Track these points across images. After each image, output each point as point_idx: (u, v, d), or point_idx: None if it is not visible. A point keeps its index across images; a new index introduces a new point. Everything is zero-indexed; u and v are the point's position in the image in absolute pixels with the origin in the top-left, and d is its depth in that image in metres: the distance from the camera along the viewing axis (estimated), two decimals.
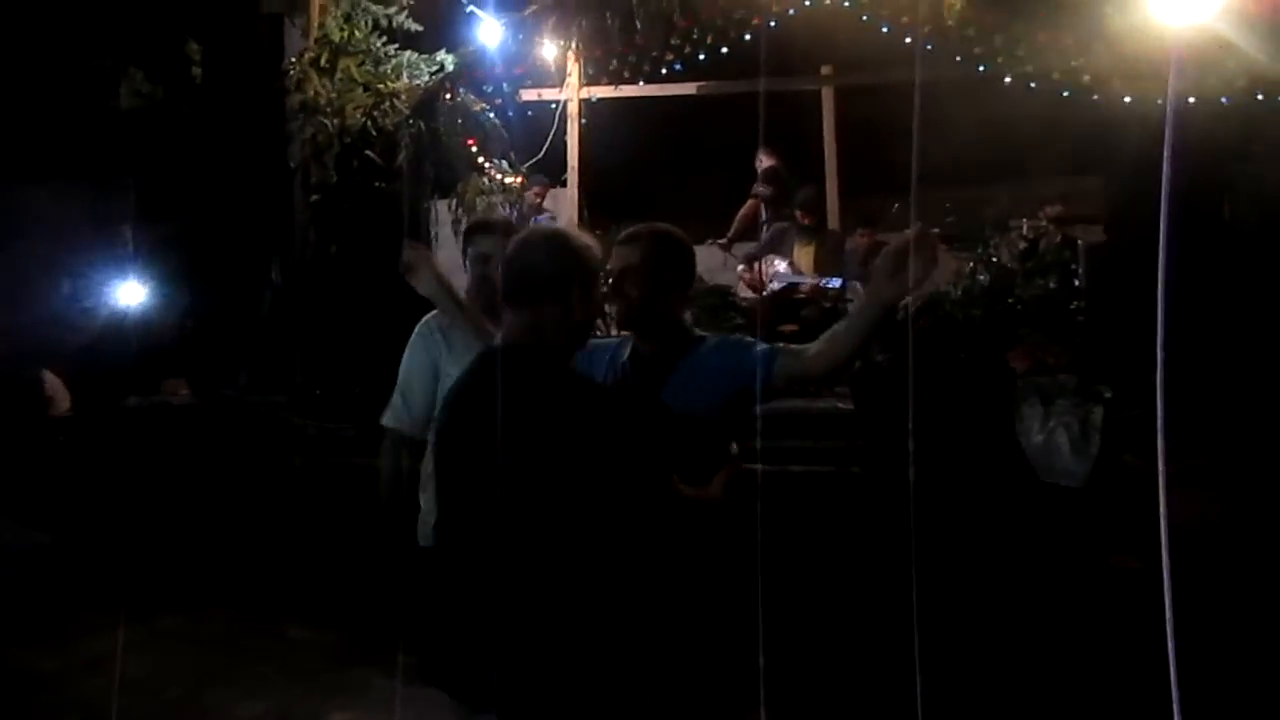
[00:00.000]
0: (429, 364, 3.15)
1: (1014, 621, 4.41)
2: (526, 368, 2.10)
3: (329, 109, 6.84)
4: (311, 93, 6.76)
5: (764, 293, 6.91)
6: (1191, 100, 5.83)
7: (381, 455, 3.22)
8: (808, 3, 6.98)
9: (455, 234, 7.19)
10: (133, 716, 3.98)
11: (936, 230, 2.36)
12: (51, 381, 7.77)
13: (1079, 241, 6.57)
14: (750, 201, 8.03)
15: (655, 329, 2.63)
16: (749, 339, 2.65)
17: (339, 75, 6.92)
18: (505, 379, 2.08)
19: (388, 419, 3.22)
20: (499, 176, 7.55)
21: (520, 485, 1.99)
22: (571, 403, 2.07)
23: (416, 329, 3.24)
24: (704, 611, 2.37)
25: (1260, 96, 6.07)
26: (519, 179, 7.77)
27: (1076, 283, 6.21)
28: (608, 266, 2.56)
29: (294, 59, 6.89)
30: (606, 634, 2.03)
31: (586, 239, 2.24)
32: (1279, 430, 5.13)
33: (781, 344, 2.60)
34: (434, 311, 3.19)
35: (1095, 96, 6.50)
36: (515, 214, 7.76)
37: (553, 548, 2.01)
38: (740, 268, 7.50)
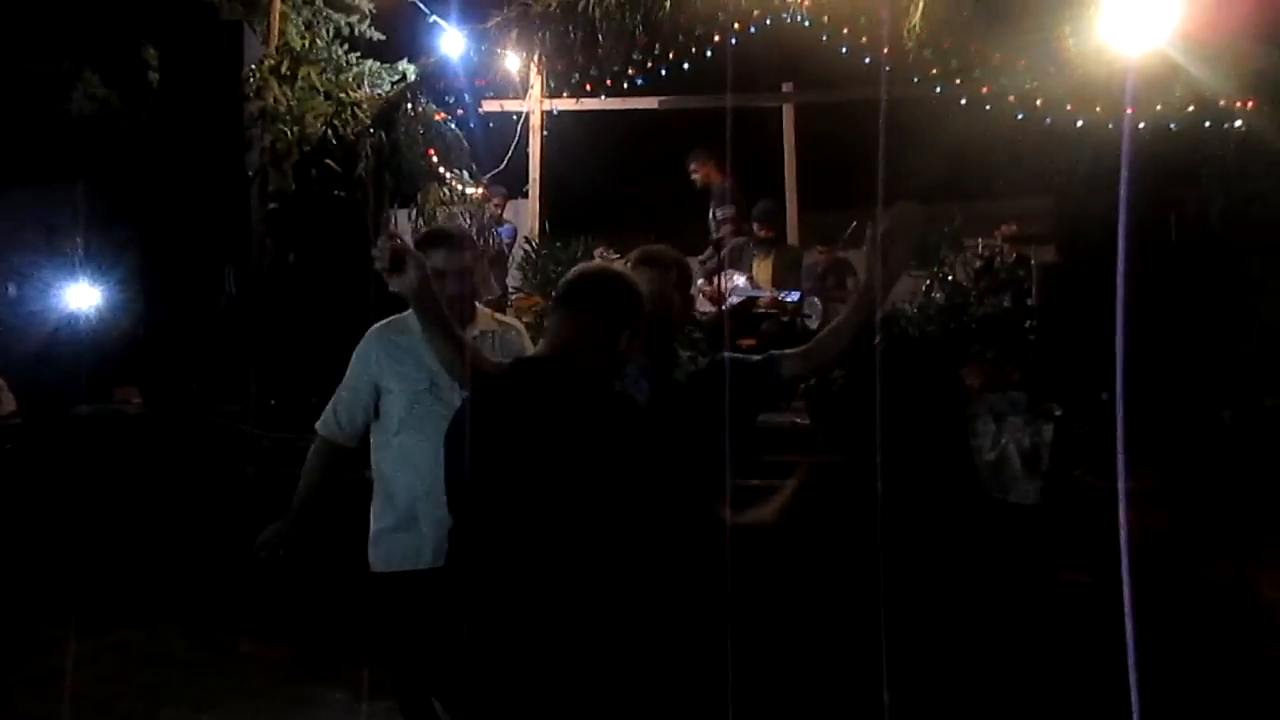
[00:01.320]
0: (367, 374, 3.11)
1: (967, 635, 4.45)
2: (569, 376, 2.11)
3: (288, 117, 6.79)
4: (271, 100, 6.71)
5: (723, 306, 6.95)
6: (1141, 124, 5.96)
7: (307, 458, 3.19)
8: (769, 21, 7.04)
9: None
10: None
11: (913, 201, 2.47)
12: None
13: (1032, 260, 6.69)
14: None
15: (666, 351, 2.70)
16: (738, 355, 2.73)
17: (299, 83, 6.88)
18: (547, 385, 2.10)
19: (320, 424, 3.19)
20: (460, 187, 7.53)
21: (552, 497, 1.98)
22: (619, 417, 2.08)
23: (365, 336, 3.19)
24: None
25: (1208, 123, 6.22)
26: (480, 190, 7.76)
27: (1029, 301, 6.31)
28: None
29: (254, 66, 6.83)
30: (637, 663, 2.00)
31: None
32: (1224, 447, 5.25)
33: (775, 351, 2.69)
34: (385, 320, 3.14)
35: (1048, 119, 6.62)
36: (475, 225, 7.75)
37: (585, 563, 1.98)
38: (699, 281, 7.54)
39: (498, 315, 3.29)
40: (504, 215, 8.42)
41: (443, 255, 3.03)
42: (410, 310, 3.09)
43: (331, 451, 3.16)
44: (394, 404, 3.05)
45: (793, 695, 4.17)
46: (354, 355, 3.15)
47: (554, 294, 2.26)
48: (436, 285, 2.94)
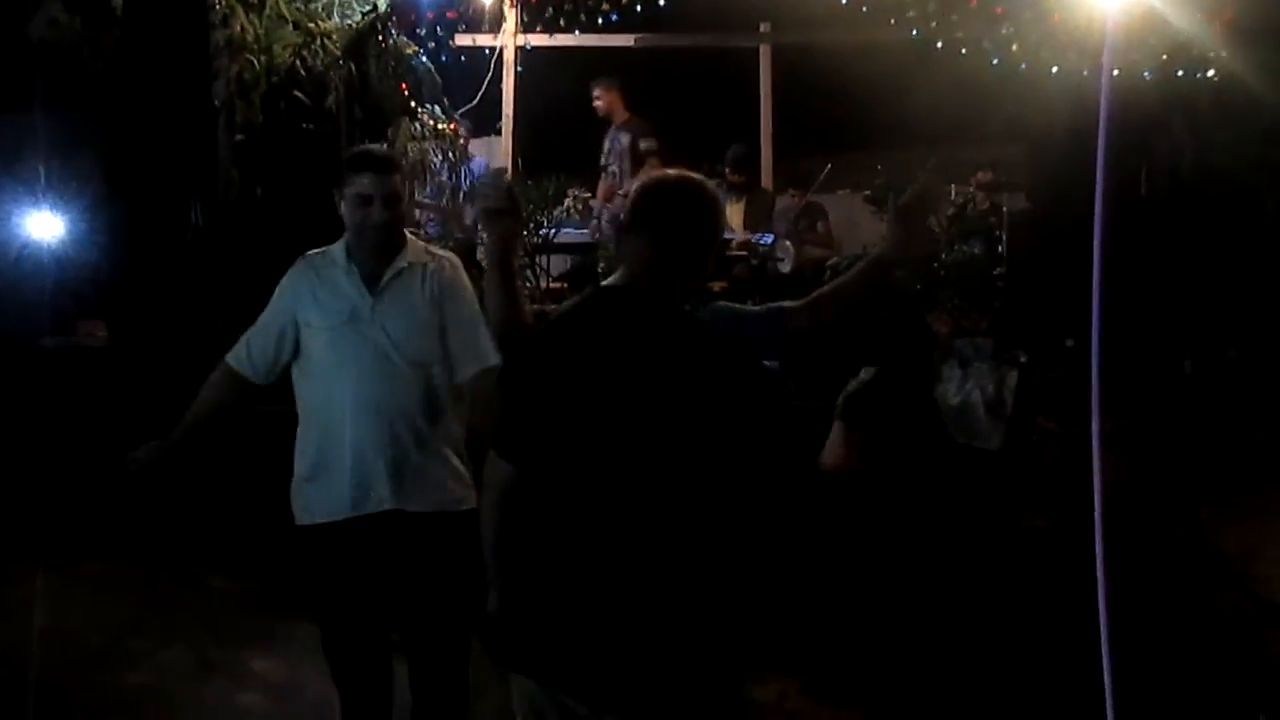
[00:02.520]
0: (287, 306, 2.92)
1: (927, 577, 4.54)
2: (656, 308, 1.94)
3: (256, 46, 6.64)
4: (238, 29, 6.55)
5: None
6: (1115, 72, 5.96)
7: (206, 383, 3.03)
8: None
9: None
10: (51, 664, 3.93)
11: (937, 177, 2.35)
12: None
13: (1004, 208, 6.72)
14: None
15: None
16: (735, 305, 2.65)
17: (267, 12, 6.72)
18: (634, 319, 1.93)
19: (231, 355, 3.01)
20: (431, 123, 7.43)
21: (659, 439, 1.84)
22: (707, 347, 1.93)
23: (294, 266, 2.99)
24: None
25: (1180, 72, 6.22)
26: (451, 125, 7.66)
27: (1000, 249, 6.35)
28: None
29: None
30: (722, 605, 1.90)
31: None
32: (1185, 397, 5.34)
33: (775, 304, 2.60)
34: (312, 251, 2.98)
35: (1023, 65, 6.60)
36: (447, 161, 7.68)
37: (689, 506, 1.86)
38: None
39: (431, 248, 3.07)
40: (469, 151, 8.31)
41: (369, 179, 2.80)
42: (339, 242, 2.93)
43: (233, 383, 2.98)
44: (314, 338, 2.88)
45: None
46: (278, 287, 2.98)
47: (629, 210, 2.06)
48: (362, 212, 2.80)
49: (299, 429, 2.95)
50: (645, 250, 1.97)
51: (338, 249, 2.94)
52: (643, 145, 7.49)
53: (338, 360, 2.84)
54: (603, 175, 7.79)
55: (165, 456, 2.98)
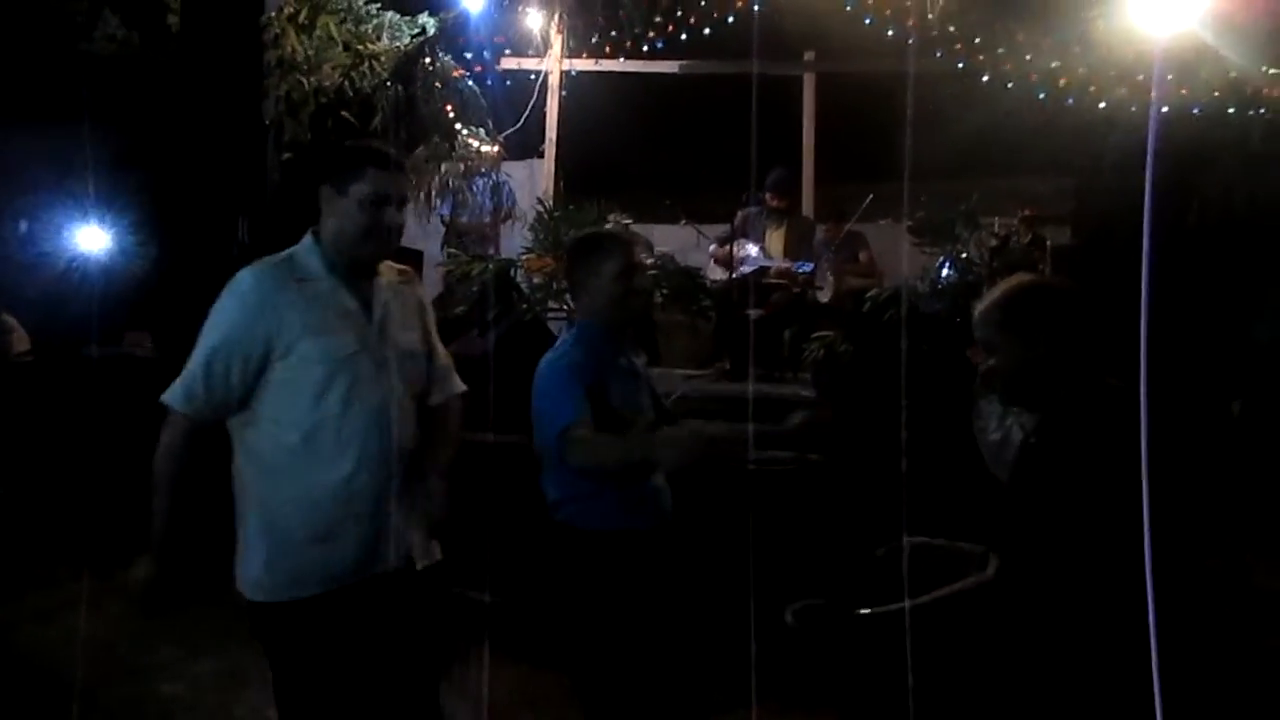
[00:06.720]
0: (261, 330, 2.33)
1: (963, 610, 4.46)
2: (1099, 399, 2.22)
3: (306, 66, 6.75)
4: (289, 49, 6.67)
5: (734, 275, 6.93)
6: (1165, 109, 5.91)
7: (166, 448, 2.42)
8: None
9: (429, 204, 7.14)
10: (86, 669, 3.96)
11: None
12: (10, 323, 7.61)
13: (1048, 242, 6.66)
14: None
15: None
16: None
17: (318, 33, 6.83)
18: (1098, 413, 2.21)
19: (178, 397, 2.39)
20: (475, 144, 7.50)
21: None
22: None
23: (250, 275, 2.39)
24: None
25: (1231, 110, 6.15)
26: (495, 148, 7.72)
27: None
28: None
29: (273, 13, 6.79)
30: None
31: None
32: (1230, 438, 5.24)
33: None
34: (268, 261, 2.45)
35: (1070, 100, 6.56)
36: (488, 183, 7.74)
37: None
38: (712, 248, 7.51)
39: (388, 262, 2.58)
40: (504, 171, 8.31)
41: (384, 176, 2.36)
42: (298, 248, 2.46)
43: (198, 434, 2.40)
44: (310, 374, 2.33)
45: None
46: (229, 306, 2.38)
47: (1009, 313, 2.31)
48: (372, 214, 2.34)
49: (268, 484, 2.46)
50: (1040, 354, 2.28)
51: (306, 257, 2.42)
52: None
53: (346, 398, 2.35)
54: None
55: (169, 573, 2.58)
